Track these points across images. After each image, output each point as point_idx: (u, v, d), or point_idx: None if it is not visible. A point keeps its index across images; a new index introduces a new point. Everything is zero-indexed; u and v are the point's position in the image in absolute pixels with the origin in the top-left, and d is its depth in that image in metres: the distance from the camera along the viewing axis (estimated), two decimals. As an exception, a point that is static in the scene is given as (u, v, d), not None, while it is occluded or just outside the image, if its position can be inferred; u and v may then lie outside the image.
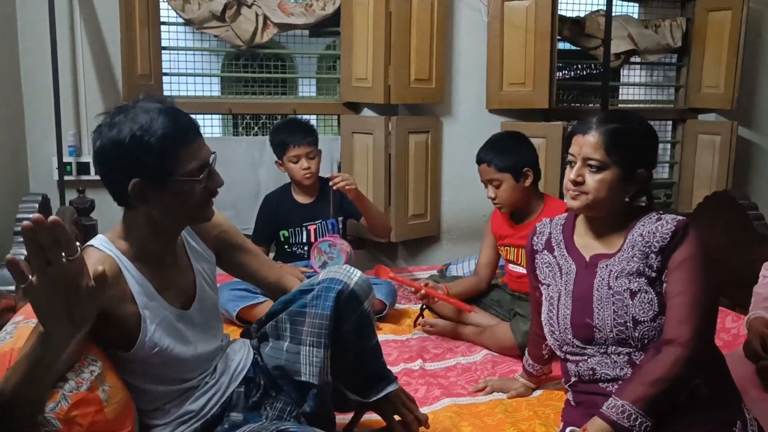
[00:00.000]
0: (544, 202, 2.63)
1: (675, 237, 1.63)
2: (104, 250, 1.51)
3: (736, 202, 2.64)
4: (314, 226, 3.06)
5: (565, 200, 2.75)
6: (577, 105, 4.18)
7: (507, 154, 2.57)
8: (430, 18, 3.46)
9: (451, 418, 1.96)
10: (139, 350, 1.52)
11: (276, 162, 3.08)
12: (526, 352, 2.14)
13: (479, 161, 2.62)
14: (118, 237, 1.55)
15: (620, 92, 4.55)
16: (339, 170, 3.67)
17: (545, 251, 1.86)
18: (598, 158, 1.67)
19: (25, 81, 3.17)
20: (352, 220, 3.13)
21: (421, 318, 2.77)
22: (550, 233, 1.87)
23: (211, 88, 4.32)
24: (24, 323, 1.51)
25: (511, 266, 2.72)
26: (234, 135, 5.31)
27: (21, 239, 1.92)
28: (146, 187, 1.45)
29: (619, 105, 4.39)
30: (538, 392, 2.16)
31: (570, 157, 1.75)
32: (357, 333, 1.69)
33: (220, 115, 3.91)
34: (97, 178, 3.21)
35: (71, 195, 3.08)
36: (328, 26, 3.64)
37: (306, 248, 3.03)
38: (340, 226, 3.10)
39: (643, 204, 1.80)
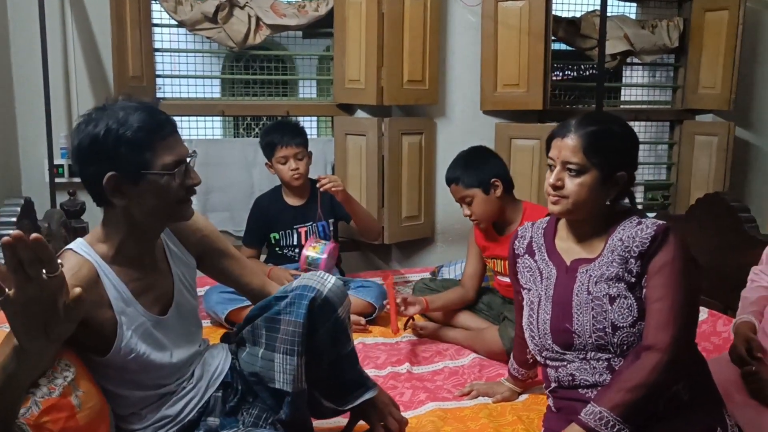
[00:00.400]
0: (522, 209, 2.61)
1: (654, 242, 1.61)
2: (82, 254, 1.51)
3: (728, 204, 2.62)
4: (305, 228, 3.06)
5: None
6: (573, 106, 4.15)
7: (473, 169, 2.56)
8: (423, 18, 3.45)
9: (434, 422, 1.95)
10: (114, 355, 1.52)
11: (266, 164, 3.08)
12: (511, 357, 2.12)
13: (448, 182, 2.63)
14: (97, 240, 1.55)
15: (622, 93, 4.54)
16: (333, 172, 3.66)
17: (526, 255, 1.84)
18: (577, 161, 1.65)
19: (17, 83, 3.17)
20: (343, 222, 3.11)
21: (411, 320, 2.76)
22: (531, 237, 1.86)
23: (212, 90, 4.30)
24: (4, 327, 1.51)
25: (499, 277, 2.70)
26: (235, 137, 5.32)
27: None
28: (122, 182, 1.46)
29: (621, 106, 4.36)
30: (523, 397, 2.15)
31: (549, 161, 1.73)
32: (332, 340, 1.67)
33: (222, 118, 3.90)
34: (89, 180, 3.22)
35: (63, 197, 3.09)
36: (321, 27, 3.63)
37: (297, 250, 3.02)
38: (331, 228, 3.09)
39: (626, 207, 1.78)
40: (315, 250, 2.90)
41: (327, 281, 1.65)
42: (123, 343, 1.51)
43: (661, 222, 1.66)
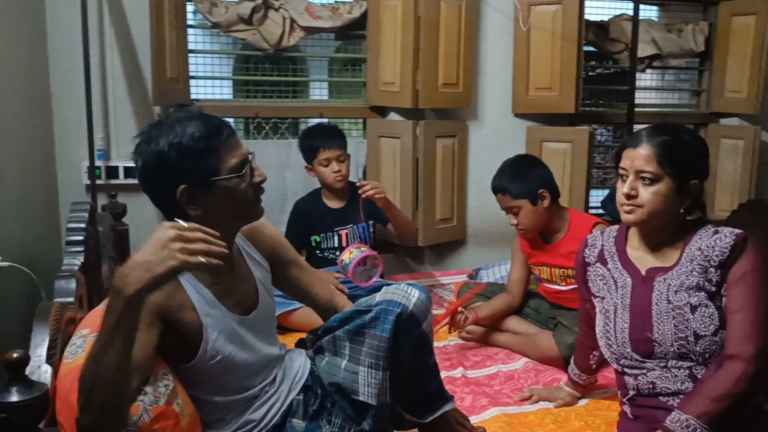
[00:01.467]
0: (569, 218, 2.62)
1: (734, 251, 1.64)
2: None
3: (773, 210, 2.65)
4: (345, 231, 3.07)
5: (585, 217, 2.77)
6: (602, 109, 4.18)
7: (520, 181, 2.56)
8: (458, 22, 3.46)
9: (503, 428, 1.97)
10: (201, 359, 1.53)
11: (306, 167, 3.08)
12: (572, 362, 2.14)
13: (494, 191, 2.63)
14: None
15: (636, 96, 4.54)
16: (365, 173, 3.67)
17: (598, 264, 1.86)
18: (651, 170, 1.68)
19: (53, 84, 3.16)
20: (380, 225, 3.13)
21: (461, 313, 2.76)
22: (602, 246, 1.88)
23: (222, 91, 4.29)
24: (93, 337, 1.51)
25: (545, 284, 2.72)
26: (255, 139, 5.30)
27: (73, 249, 1.92)
28: (194, 192, 1.48)
29: (647, 109, 4.38)
30: (583, 401, 2.17)
31: (621, 171, 1.75)
32: (415, 353, 1.69)
33: (243, 119, 3.90)
34: (127, 182, 3.24)
35: (101, 200, 3.09)
36: (354, 30, 3.64)
37: (337, 253, 3.03)
38: (371, 230, 3.11)
39: (697, 216, 1.80)
40: (349, 255, 2.90)
41: (412, 296, 1.66)
42: (209, 345, 1.53)
43: (739, 231, 1.69)
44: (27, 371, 1.17)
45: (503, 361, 2.53)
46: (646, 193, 1.69)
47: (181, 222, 1.26)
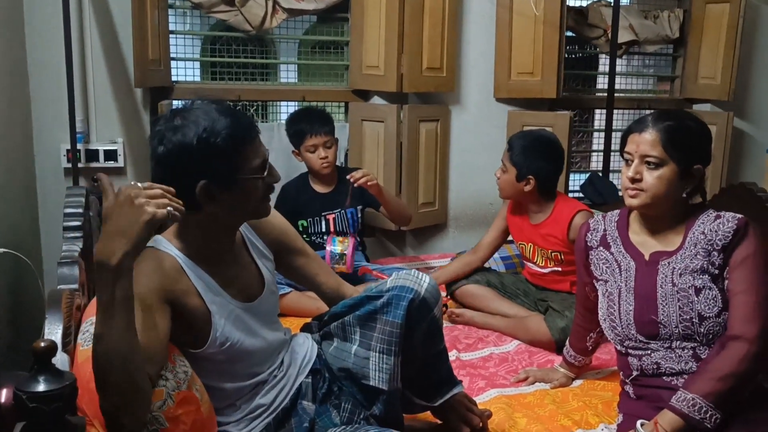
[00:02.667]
0: (555, 203, 2.68)
1: (737, 235, 1.69)
2: (164, 249, 1.51)
3: (755, 194, 2.71)
4: (333, 216, 3.06)
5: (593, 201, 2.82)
6: (582, 94, 4.23)
7: (525, 154, 2.63)
8: (442, 6, 3.45)
9: (504, 410, 2.00)
10: (211, 346, 1.53)
11: (293, 152, 3.06)
12: (567, 344, 2.18)
13: (508, 142, 2.73)
14: (174, 237, 1.55)
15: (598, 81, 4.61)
16: (347, 158, 3.66)
17: (601, 248, 1.89)
18: (656, 155, 1.71)
19: (31, 65, 3.06)
20: (371, 209, 3.13)
21: (445, 308, 2.80)
22: (605, 230, 1.91)
23: (194, 73, 4.20)
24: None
25: (529, 264, 2.77)
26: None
27: (71, 235, 1.88)
28: (213, 188, 1.46)
29: (624, 95, 4.43)
30: (578, 382, 2.21)
31: (626, 156, 1.78)
32: (427, 339, 1.71)
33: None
34: (108, 165, 3.16)
35: (81, 184, 3.02)
36: (337, 12, 3.60)
37: (325, 238, 3.02)
38: (359, 216, 3.10)
39: (698, 201, 1.85)
40: (341, 245, 2.90)
41: (423, 281, 1.67)
42: (218, 332, 1.53)
43: (740, 216, 1.74)
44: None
45: (495, 344, 2.56)
46: (650, 177, 1.72)
47: (137, 183, 1.26)
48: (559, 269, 2.66)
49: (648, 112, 4.39)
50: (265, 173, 1.51)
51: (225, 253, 1.61)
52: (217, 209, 1.49)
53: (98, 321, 1.21)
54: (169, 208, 1.24)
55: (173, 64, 3.40)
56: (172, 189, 1.29)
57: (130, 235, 1.20)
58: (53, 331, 1.37)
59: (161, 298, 1.43)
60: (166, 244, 1.52)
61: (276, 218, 1.77)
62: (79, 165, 3.12)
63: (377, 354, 1.64)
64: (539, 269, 2.72)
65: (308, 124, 2.96)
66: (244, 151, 1.47)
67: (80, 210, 1.94)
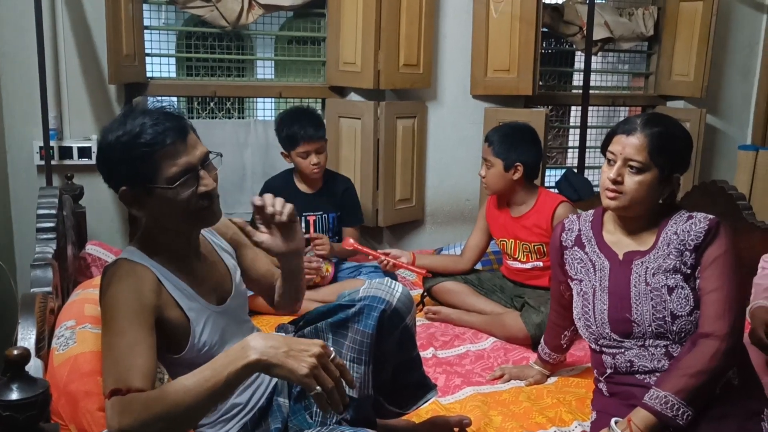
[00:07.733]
0: (537, 195, 2.70)
1: (708, 235, 1.72)
2: (138, 260, 1.47)
3: (726, 192, 2.75)
4: (314, 218, 3.04)
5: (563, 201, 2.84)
6: (557, 91, 4.25)
7: (507, 144, 2.66)
8: (419, 2, 3.46)
9: (480, 407, 2.01)
10: (189, 352, 1.52)
11: (282, 153, 3.02)
12: (542, 341, 2.21)
13: (486, 139, 2.74)
14: (143, 245, 1.51)
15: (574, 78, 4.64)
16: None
17: (576, 247, 1.91)
18: (641, 160, 1.72)
19: (1, 59, 3.02)
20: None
21: (422, 305, 2.81)
22: (579, 230, 1.93)
23: (169, 69, 4.16)
24: (80, 329, 1.48)
25: (509, 261, 2.79)
26: (196, 119, 5.15)
27: (44, 236, 1.86)
28: (135, 194, 1.44)
29: (599, 92, 4.47)
30: (552, 379, 2.24)
31: (610, 155, 1.78)
32: (399, 347, 1.71)
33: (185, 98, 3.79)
34: (81, 162, 3.12)
35: (55, 181, 2.98)
36: (313, 8, 3.59)
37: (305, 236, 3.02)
38: (337, 222, 3.10)
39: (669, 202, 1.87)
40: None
41: (395, 291, 1.67)
42: (196, 339, 1.52)
43: (712, 216, 1.76)
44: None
45: (471, 341, 2.58)
46: (631, 181, 1.73)
47: (332, 349, 1.30)
48: (541, 264, 2.69)
49: (623, 109, 4.51)
50: (177, 184, 1.41)
51: (189, 253, 1.58)
52: (147, 216, 1.48)
53: (208, 387, 1.25)
54: (320, 389, 1.25)
55: (148, 59, 3.36)
56: (351, 378, 1.32)
57: (285, 361, 1.24)
58: (26, 336, 1.36)
59: (152, 314, 1.42)
60: (140, 255, 1.48)
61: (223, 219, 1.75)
62: (53, 162, 3.08)
63: (348, 363, 1.64)
64: (520, 265, 2.74)
65: (302, 129, 2.89)
66: (152, 159, 1.40)
67: (53, 211, 1.90)
